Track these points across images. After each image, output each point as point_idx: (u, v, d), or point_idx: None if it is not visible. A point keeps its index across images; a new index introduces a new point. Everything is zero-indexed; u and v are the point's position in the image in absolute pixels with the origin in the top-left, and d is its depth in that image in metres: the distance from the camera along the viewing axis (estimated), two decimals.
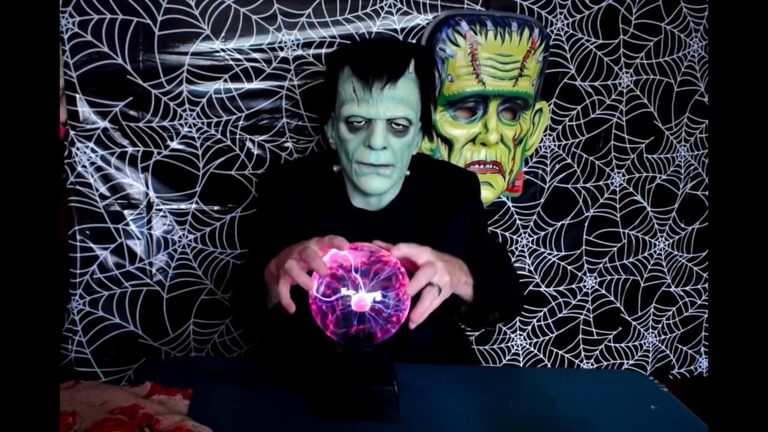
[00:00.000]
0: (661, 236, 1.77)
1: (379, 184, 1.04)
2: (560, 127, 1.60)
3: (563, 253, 1.70)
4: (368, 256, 0.83)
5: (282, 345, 1.16)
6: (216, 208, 1.47)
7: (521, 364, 1.75)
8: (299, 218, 1.10)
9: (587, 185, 1.67)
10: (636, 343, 1.83)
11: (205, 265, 1.50)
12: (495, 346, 1.74)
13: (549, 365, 1.77)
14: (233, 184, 1.46)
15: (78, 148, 1.37)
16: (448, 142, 1.48)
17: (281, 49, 1.39)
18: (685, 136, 1.71)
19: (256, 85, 1.40)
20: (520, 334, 1.74)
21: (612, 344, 1.81)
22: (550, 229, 1.68)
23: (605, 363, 1.81)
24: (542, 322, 1.74)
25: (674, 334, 1.87)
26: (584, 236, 1.71)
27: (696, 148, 1.73)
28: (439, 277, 0.85)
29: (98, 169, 1.39)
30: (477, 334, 1.71)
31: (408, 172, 1.12)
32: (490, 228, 1.62)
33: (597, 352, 1.80)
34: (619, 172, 1.68)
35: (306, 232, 0.91)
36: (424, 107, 1.08)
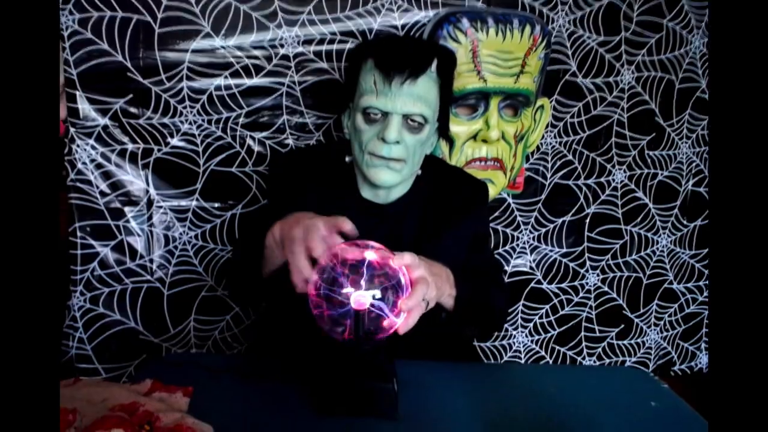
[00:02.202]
0: (664, 233, 1.77)
1: (388, 176, 1.05)
2: (561, 123, 1.60)
3: (564, 250, 1.70)
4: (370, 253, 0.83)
5: (275, 320, 1.16)
6: (216, 205, 1.47)
7: (523, 362, 1.75)
8: (307, 204, 1.10)
9: (588, 182, 1.66)
10: (638, 340, 1.83)
11: (206, 262, 1.50)
12: (497, 343, 1.74)
13: (551, 363, 1.77)
14: (234, 181, 1.46)
15: (78, 145, 1.37)
16: (449, 140, 1.47)
17: (281, 46, 1.38)
18: (686, 132, 1.70)
19: (257, 82, 1.40)
20: (522, 331, 1.74)
21: (614, 341, 1.81)
22: (551, 226, 1.68)
23: (608, 360, 1.81)
24: (544, 319, 1.74)
25: (676, 331, 1.87)
26: (586, 233, 1.70)
27: (697, 145, 1.73)
28: (429, 293, 0.85)
29: (98, 166, 1.39)
30: (477, 331, 1.71)
31: (420, 171, 1.12)
32: (491, 225, 1.62)
33: (599, 349, 1.80)
34: (620, 169, 1.67)
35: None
36: (442, 108, 1.08)
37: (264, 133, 1.44)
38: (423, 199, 1.14)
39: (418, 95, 1.01)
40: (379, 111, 1.02)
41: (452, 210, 1.15)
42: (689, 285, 1.84)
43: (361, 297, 0.80)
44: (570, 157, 1.63)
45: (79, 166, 1.38)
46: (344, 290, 0.81)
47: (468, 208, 1.17)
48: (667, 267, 1.80)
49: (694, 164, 1.74)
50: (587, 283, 1.74)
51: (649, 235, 1.76)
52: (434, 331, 1.04)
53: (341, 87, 1.14)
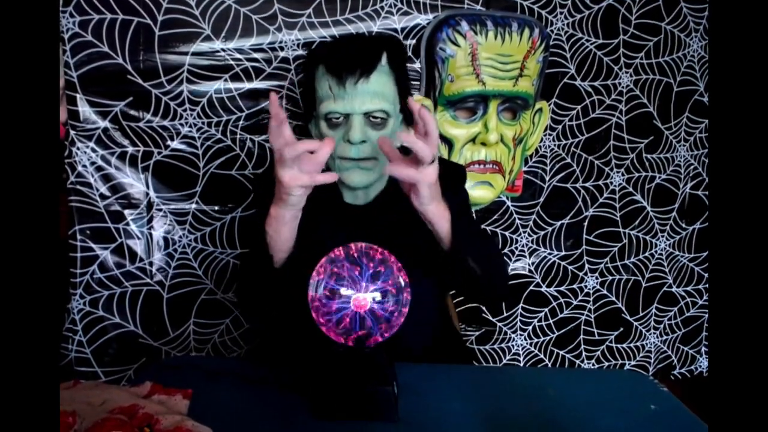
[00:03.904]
0: (662, 236, 1.77)
1: (361, 177, 1.06)
2: (560, 126, 1.60)
3: (563, 253, 1.70)
4: (367, 255, 0.83)
5: (284, 328, 1.16)
6: (216, 208, 1.47)
7: (522, 365, 1.75)
8: None
9: (587, 185, 1.67)
10: (638, 343, 1.83)
11: (206, 265, 1.50)
12: (495, 346, 1.74)
13: (550, 366, 1.77)
14: (233, 184, 1.46)
15: (78, 148, 1.37)
16: (448, 142, 1.48)
17: (281, 48, 1.39)
18: (684, 135, 1.71)
19: (257, 84, 1.40)
20: (521, 334, 1.74)
21: (614, 345, 1.81)
22: (550, 229, 1.68)
23: (607, 363, 1.81)
24: (543, 323, 1.74)
25: (675, 335, 1.87)
26: (584, 236, 1.70)
27: (696, 148, 1.73)
28: (428, 174, 0.90)
29: (98, 168, 1.39)
30: (477, 334, 1.71)
31: None
32: (489, 228, 1.62)
33: (598, 352, 1.80)
34: (618, 172, 1.68)
35: (300, 226, 0.96)
36: (403, 99, 1.08)
37: (264, 136, 1.44)
38: (401, 192, 1.13)
39: (374, 92, 1.02)
40: (339, 114, 1.03)
41: None
42: (688, 288, 1.85)
43: (360, 299, 0.80)
44: (568, 160, 1.64)
45: (79, 168, 1.38)
46: (344, 293, 0.81)
47: (445, 185, 1.15)
48: (666, 270, 1.80)
49: (692, 167, 1.74)
50: (586, 286, 1.74)
51: (648, 238, 1.76)
52: (438, 273, 1.04)
53: (302, 98, 1.15)
